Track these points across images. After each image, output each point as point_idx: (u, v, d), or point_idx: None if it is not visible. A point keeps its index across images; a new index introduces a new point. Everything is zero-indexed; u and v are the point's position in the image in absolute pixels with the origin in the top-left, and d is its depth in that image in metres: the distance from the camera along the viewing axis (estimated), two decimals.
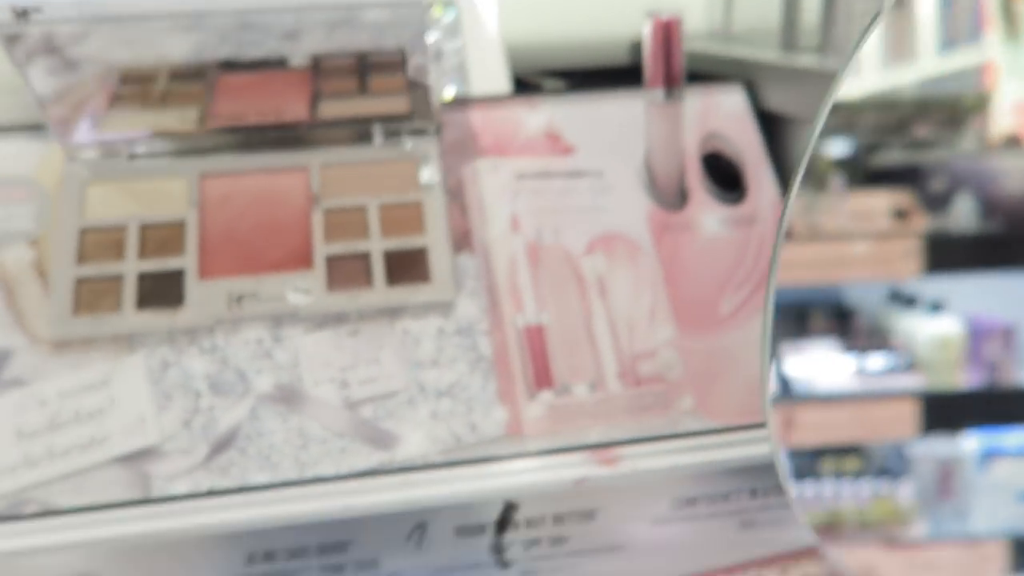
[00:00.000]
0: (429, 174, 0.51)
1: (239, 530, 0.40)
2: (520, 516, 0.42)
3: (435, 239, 0.48)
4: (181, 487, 0.42)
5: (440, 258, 0.48)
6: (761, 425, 0.38)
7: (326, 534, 0.41)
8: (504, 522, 0.42)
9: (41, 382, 0.43)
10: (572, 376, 0.46)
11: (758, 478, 0.43)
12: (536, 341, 0.47)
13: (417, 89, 0.50)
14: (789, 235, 0.36)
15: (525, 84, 0.61)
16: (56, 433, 0.42)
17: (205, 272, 0.46)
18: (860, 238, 0.45)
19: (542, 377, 0.46)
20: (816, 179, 0.44)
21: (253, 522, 0.40)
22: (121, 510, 0.41)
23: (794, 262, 0.42)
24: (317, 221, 0.48)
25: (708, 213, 0.51)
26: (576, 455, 0.43)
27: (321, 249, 0.47)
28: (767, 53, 0.57)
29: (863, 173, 0.45)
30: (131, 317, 0.45)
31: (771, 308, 0.35)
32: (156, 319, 0.45)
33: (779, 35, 0.59)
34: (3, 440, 0.42)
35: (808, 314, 0.46)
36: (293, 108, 0.50)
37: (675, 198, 0.51)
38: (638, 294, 0.48)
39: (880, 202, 0.45)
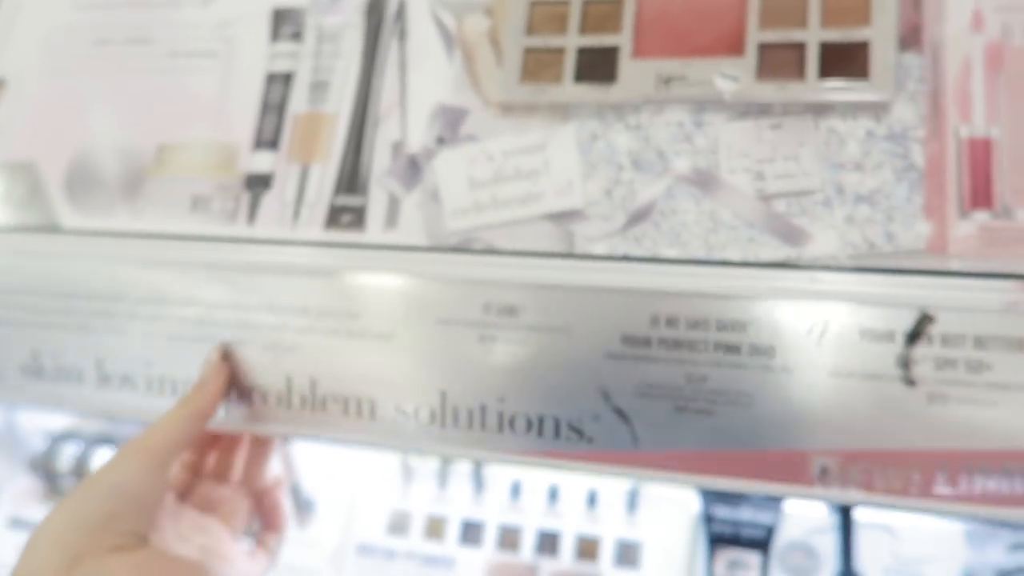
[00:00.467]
0: None
1: (644, 292, 0.44)
2: (936, 331, 0.40)
3: (880, 33, 0.44)
4: (599, 248, 0.46)
5: (883, 54, 0.44)
6: None
7: (727, 311, 0.43)
8: (917, 333, 0.40)
9: (489, 140, 0.50)
10: (1016, 198, 0.41)
11: None
12: (980, 155, 0.42)
13: None
14: None
15: None
16: (500, 185, 0.49)
17: (638, 51, 0.48)
18: None
19: (980, 195, 0.42)
20: None
21: (661, 288, 0.44)
22: (547, 259, 0.47)
23: None
24: (753, 6, 0.46)
25: None
26: (1010, 282, 0.40)
27: (754, 35, 0.46)
28: None
29: None
30: (569, 89, 0.49)
31: None
32: (590, 93, 0.48)
33: None
34: (458, 186, 0.50)
35: None
36: None
37: None
38: None
39: None
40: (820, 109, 0.45)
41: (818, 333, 0.42)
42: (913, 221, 0.43)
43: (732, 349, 0.43)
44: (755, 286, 0.43)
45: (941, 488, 0.41)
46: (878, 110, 0.44)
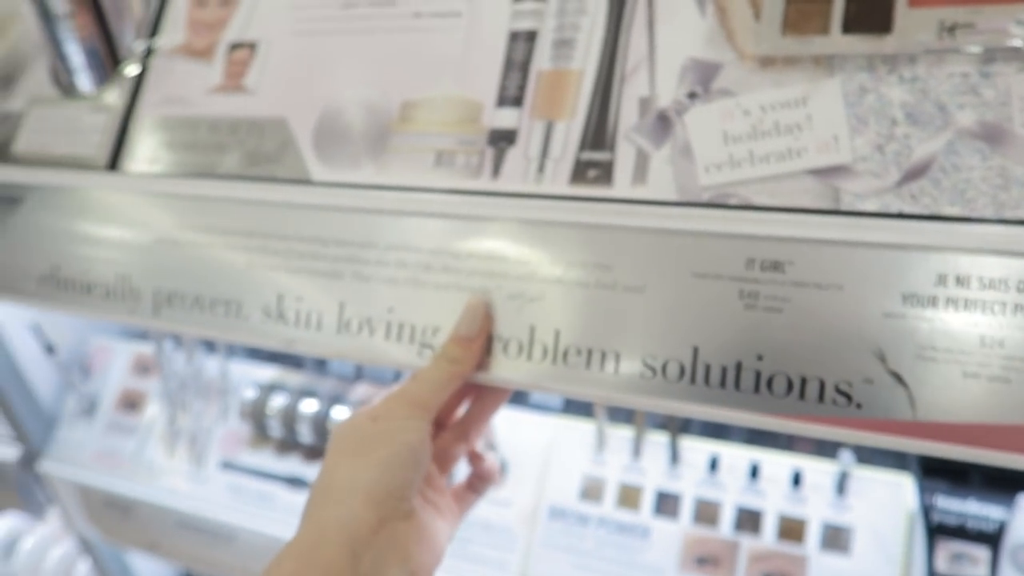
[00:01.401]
0: None
1: (924, 248, 0.42)
2: None
3: None
4: (870, 205, 0.45)
5: None
6: None
7: (1010, 270, 0.41)
8: None
9: (746, 94, 0.49)
10: None
11: None
12: None
13: None
14: None
15: None
16: (757, 141, 0.48)
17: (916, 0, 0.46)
18: None
19: None
20: None
21: (938, 243, 0.42)
22: (811, 215, 0.46)
23: None
24: None
25: None
26: None
27: None
28: None
29: None
30: (837, 39, 0.47)
31: None
32: (861, 43, 0.46)
33: None
34: (713, 141, 0.49)
35: None
36: None
37: None
38: None
39: None
40: None
41: None
42: None
43: None
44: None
45: None
46: None
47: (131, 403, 1.05)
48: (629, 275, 0.49)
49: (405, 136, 0.58)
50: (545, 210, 0.52)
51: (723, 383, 0.47)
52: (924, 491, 0.71)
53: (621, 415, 0.89)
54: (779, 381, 0.45)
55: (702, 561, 0.75)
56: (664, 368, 0.48)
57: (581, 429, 0.84)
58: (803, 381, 0.45)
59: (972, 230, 0.42)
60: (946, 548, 0.69)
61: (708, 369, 0.47)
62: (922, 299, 0.42)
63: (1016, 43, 0.43)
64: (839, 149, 0.46)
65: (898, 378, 0.43)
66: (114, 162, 0.69)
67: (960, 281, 0.42)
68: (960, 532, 0.69)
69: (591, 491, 0.81)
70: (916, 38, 0.45)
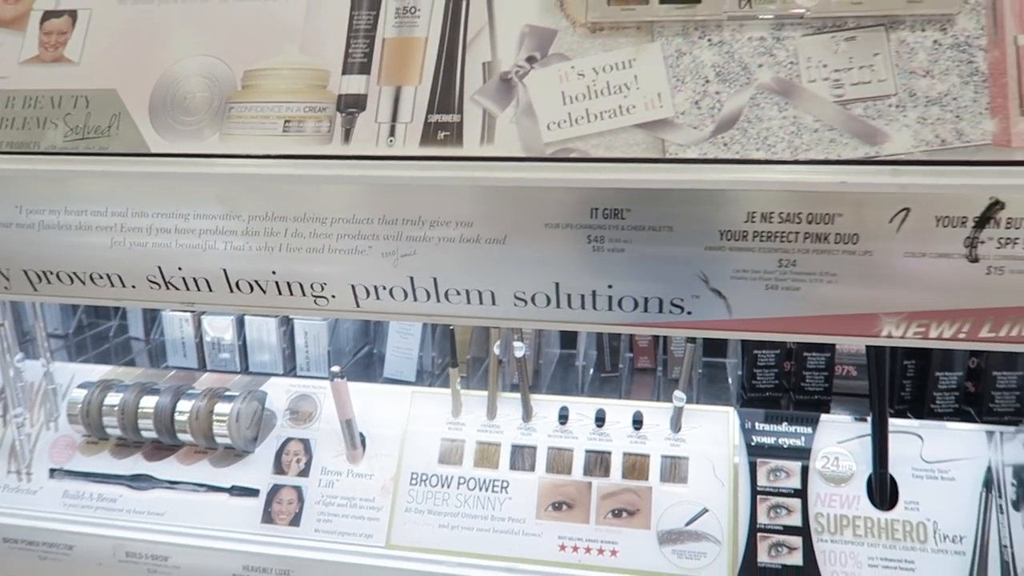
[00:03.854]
0: None
1: (739, 190, 0.49)
2: (1001, 216, 0.46)
3: None
4: (691, 154, 0.51)
5: None
6: None
7: (816, 206, 0.48)
8: (986, 218, 0.46)
9: (580, 58, 0.54)
10: None
11: None
12: None
13: None
14: None
15: None
16: (591, 100, 0.53)
17: None
18: None
19: None
20: None
21: (753, 185, 0.49)
22: (644, 165, 0.52)
23: None
24: None
25: None
26: None
27: None
28: None
29: None
30: (655, 8, 0.53)
31: None
32: (676, 11, 0.53)
33: None
34: (552, 101, 0.54)
35: None
36: None
37: None
38: None
39: None
40: (892, 21, 0.50)
41: (898, 223, 0.48)
42: (979, 120, 0.48)
43: (820, 238, 0.49)
44: (818, 183, 0.48)
45: (985, 333, 0.47)
46: (944, 22, 0.50)
47: None
48: (489, 229, 0.53)
49: (249, 105, 0.59)
50: (399, 170, 0.54)
51: (583, 306, 0.52)
52: (744, 420, 0.81)
53: (475, 381, 0.93)
54: (627, 302, 0.51)
55: (558, 506, 0.81)
56: (533, 298, 0.53)
57: (437, 396, 0.87)
58: (646, 300, 0.51)
59: (774, 172, 0.49)
60: (765, 466, 0.78)
61: (569, 297, 0.53)
62: (735, 234, 0.49)
63: (800, 10, 0.51)
64: (663, 105, 0.52)
65: (718, 293, 0.50)
66: None
67: (764, 217, 0.49)
68: (775, 451, 0.79)
69: (450, 454, 0.85)
70: (721, 7, 0.52)
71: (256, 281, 0.59)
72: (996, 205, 0.46)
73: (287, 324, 0.99)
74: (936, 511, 0.75)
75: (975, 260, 0.47)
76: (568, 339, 1.04)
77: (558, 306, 0.54)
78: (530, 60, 0.55)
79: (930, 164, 0.48)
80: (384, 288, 0.57)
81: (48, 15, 0.64)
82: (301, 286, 0.58)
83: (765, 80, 0.51)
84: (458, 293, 0.55)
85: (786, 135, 0.50)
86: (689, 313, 0.52)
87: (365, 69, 0.57)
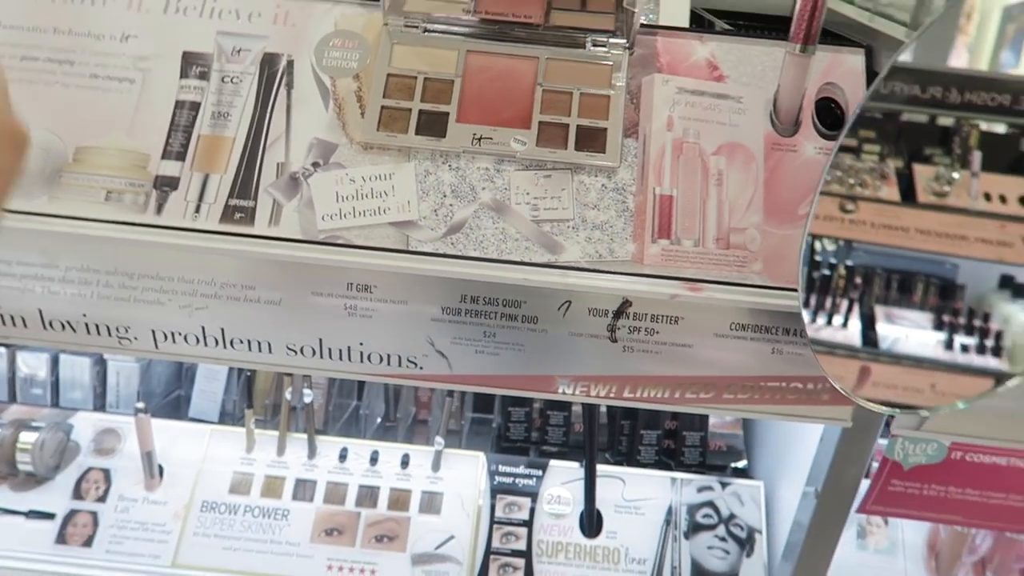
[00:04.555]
0: (619, 78, 0.71)
1: (458, 279, 0.65)
2: (631, 311, 0.64)
3: (613, 124, 0.69)
4: (427, 248, 0.66)
5: (614, 138, 0.68)
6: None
7: (513, 295, 0.65)
8: (620, 312, 0.64)
9: (353, 168, 0.68)
10: (684, 234, 0.67)
11: (791, 322, 0.63)
12: (665, 206, 0.68)
13: (623, 13, 0.69)
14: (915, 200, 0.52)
15: (701, 21, 0.79)
16: (358, 200, 0.68)
17: (461, 118, 0.69)
18: (985, 218, 0.52)
19: (663, 230, 0.67)
20: (962, 151, 0.54)
21: (467, 275, 0.65)
22: (391, 254, 0.66)
23: (916, 228, 0.55)
24: (538, 97, 0.69)
25: (810, 142, 0.69)
26: (675, 282, 0.65)
27: (537, 116, 0.69)
28: (895, 27, 0.73)
29: (1012, 156, 0.51)
30: (412, 138, 0.69)
31: (812, 213, 0.54)
32: (426, 142, 0.68)
33: (911, 12, 0.74)
34: (328, 198, 0.67)
35: (913, 281, 0.56)
36: (535, 13, 0.71)
37: (790, 127, 0.69)
38: (743, 189, 0.68)
39: (1015, 188, 0.51)
40: (576, 167, 0.68)
41: (564, 311, 0.65)
42: (625, 243, 0.67)
43: (512, 317, 0.65)
44: (528, 278, 0.65)
45: (627, 393, 0.65)
46: (610, 172, 0.68)
47: None
48: (268, 293, 0.65)
49: (77, 175, 0.68)
50: (199, 241, 0.66)
51: (341, 358, 0.65)
52: (491, 463, 0.96)
53: (272, 424, 1.03)
54: (374, 356, 0.65)
55: (330, 531, 0.91)
56: (301, 350, 0.65)
57: (233, 434, 0.96)
58: (388, 356, 0.65)
59: (484, 268, 0.65)
60: (503, 500, 0.93)
61: (331, 351, 0.65)
62: (453, 309, 0.65)
63: (513, 152, 0.68)
64: (411, 210, 0.67)
65: (442, 353, 0.64)
66: None
67: (473, 299, 0.65)
68: (512, 489, 0.94)
69: (240, 485, 0.93)
70: (459, 142, 0.69)
71: (68, 321, 0.68)
72: (626, 303, 0.64)
73: (101, 364, 1.05)
74: (628, 539, 0.92)
75: (615, 340, 0.65)
76: (360, 391, 1.16)
77: (321, 357, 0.67)
78: (315, 165, 0.69)
79: (589, 271, 0.65)
80: (180, 334, 0.67)
81: None
82: (108, 328, 0.68)
83: (486, 200, 0.68)
84: (241, 342, 0.67)
85: (496, 241, 0.67)
86: (421, 368, 0.67)
87: (181, 157, 0.69)
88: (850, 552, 0.97)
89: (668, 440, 1.03)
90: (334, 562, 0.89)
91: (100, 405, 1.06)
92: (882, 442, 0.75)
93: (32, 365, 1.03)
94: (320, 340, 0.66)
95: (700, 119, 0.70)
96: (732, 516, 0.95)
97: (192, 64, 0.72)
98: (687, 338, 0.65)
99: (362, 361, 0.66)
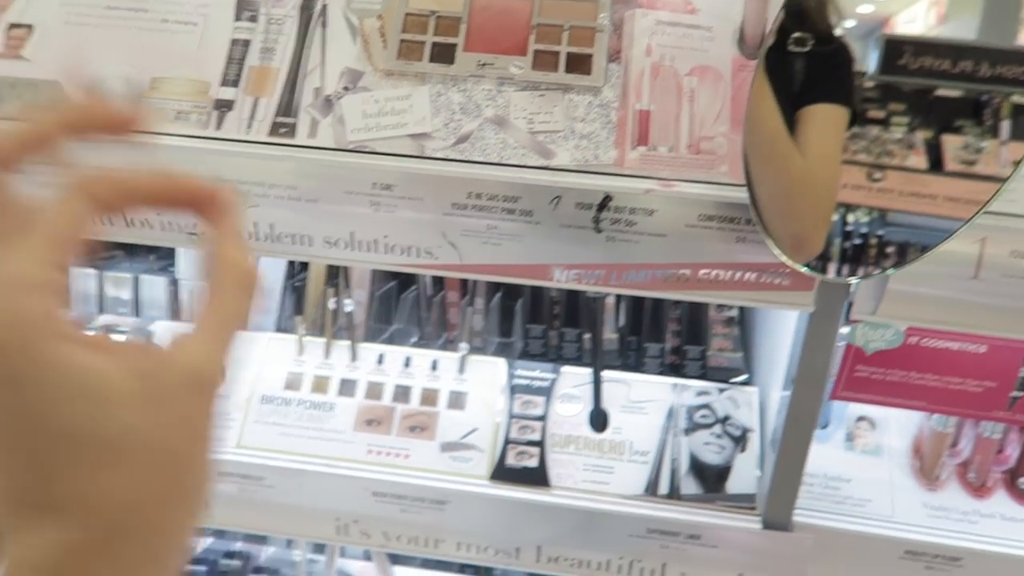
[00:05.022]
0: (604, 12, 0.80)
1: (465, 178, 0.75)
2: (612, 204, 0.74)
3: (598, 51, 0.78)
4: (439, 154, 0.77)
5: (599, 62, 0.78)
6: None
7: (509, 191, 0.75)
8: (603, 205, 0.74)
9: (377, 91, 0.80)
10: (660, 141, 0.76)
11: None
12: (644, 119, 0.77)
13: None
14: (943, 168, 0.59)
15: None
16: (382, 117, 0.79)
17: (467, 48, 0.79)
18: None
19: (642, 138, 0.76)
20: (994, 119, 0.60)
21: (471, 175, 0.75)
22: (409, 159, 0.77)
23: (937, 195, 0.61)
24: (533, 31, 0.79)
25: None
26: (651, 181, 0.74)
27: (532, 46, 0.79)
28: None
29: None
30: (426, 65, 0.79)
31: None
32: (438, 69, 0.79)
33: None
34: (357, 116, 0.79)
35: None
36: None
37: (754, 51, 0.78)
38: (712, 103, 0.76)
39: None
40: (566, 87, 0.78)
41: (555, 205, 0.75)
42: (608, 150, 0.76)
43: (510, 211, 0.75)
44: (524, 178, 0.75)
45: (612, 280, 0.74)
46: (595, 91, 0.78)
47: None
48: (307, 192, 0.77)
49: (153, 100, 0.81)
50: (252, 148, 0.78)
51: (369, 249, 0.77)
52: (510, 366, 1.06)
53: (317, 330, 1.16)
54: (396, 248, 0.76)
55: (369, 422, 1.04)
56: (336, 242, 0.77)
57: (287, 341, 1.09)
58: (408, 247, 0.76)
59: (487, 170, 0.76)
60: (519, 399, 1.04)
61: (359, 243, 0.77)
62: (461, 205, 0.75)
63: (514, 72, 0.78)
64: (425, 124, 0.78)
65: (453, 245, 0.75)
66: None
67: (478, 196, 0.75)
68: (529, 389, 1.05)
69: (293, 383, 1.07)
70: (466, 68, 0.79)
71: (147, 220, 0.81)
72: (607, 197, 0.74)
73: (174, 285, 1.20)
74: (632, 434, 1.02)
75: (599, 231, 0.75)
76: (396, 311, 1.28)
77: (353, 249, 0.78)
78: (345, 89, 0.80)
79: (577, 172, 0.75)
80: None
81: (12, 26, 0.85)
82: (178, 224, 0.80)
83: (489, 115, 0.78)
84: (287, 236, 0.79)
85: (497, 149, 0.77)
86: (436, 258, 0.78)
87: (235, 84, 0.81)
88: (839, 453, 1.05)
89: (673, 356, 1.12)
90: (373, 447, 1.01)
91: (175, 319, 1.21)
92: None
93: (117, 285, 1.18)
94: (351, 233, 0.77)
95: (675, 46, 0.78)
96: (728, 417, 1.03)
97: (243, 9, 0.84)
98: (662, 228, 0.74)
99: (386, 252, 0.77)
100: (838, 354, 0.87)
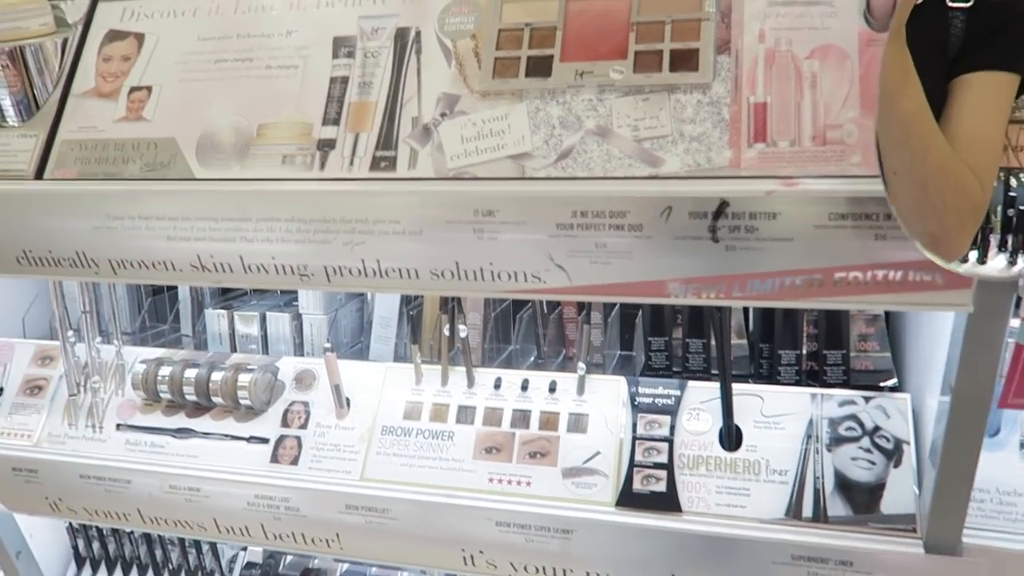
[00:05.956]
0: (710, 3, 0.73)
1: (569, 197, 0.70)
2: (729, 211, 0.67)
3: (705, 43, 0.71)
4: (541, 174, 0.73)
5: (706, 56, 0.71)
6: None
7: (616, 205, 0.69)
8: (719, 212, 0.67)
9: (474, 113, 0.76)
10: (779, 136, 0.68)
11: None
12: (759, 112, 0.69)
13: None
14: None
15: None
16: (480, 140, 0.75)
17: (564, 58, 0.75)
18: None
19: (759, 134, 0.68)
20: None
21: (575, 192, 0.70)
22: (508, 180, 0.73)
23: None
24: (632, 31, 0.73)
25: None
26: (772, 181, 0.66)
27: (632, 47, 0.73)
28: None
29: None
30: (523, 81, 0.75)
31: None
32: (535, 83, 0.75)
33: None
34: (455, 142, 0.76)
35: None
36: None
37: (884, 20, 0.68)
38: (838, 87, 0.68)
39: None
40: (671, 87, 0.72)
41: (666, 216, 0.68)
42: (722, 151, 0.69)
43: (619, 227, 0.69)
44: (631, 190, 0.69)
45: (735, 292, 0.67)
46: (704, 88, 0.71)
47: (34, 388, 1.18)
48: (410, 225, 0.74)
49: (260, 146, 0.82)
50: (355, 185, 0.76)
51: (475, 278, 0.73)
52: (631, 385, 1.00)
53: (432, 358, 1.14)
54: (502, 275, 0.72)
55: (489, 449, 1.00)
56: (442, 273, 0.74)
57: (405, 370, 1.08)
58: (514, 273, 0.72)
59: (591, 185, 0.70)
60: (643, 419, 0.97)
61: (465, 273, 0.74)
62: (567, 225, 0.70)
63: (615, 77, 0.73)
64: (524, 143, 0.74)
65: (560, 267, 0.70)
66: (40, 173, 0.88)
67: (583, 214, 0.70)
68: (652, 408, 0.98)
69: (412, 412, 1.05)
70: (564, 80, 0.74)
71: (261, 264, 0.81)
72: (724, 203, 0.67)
73: (298, 319, 1.21)
74: (769, 452, 0.93)
75: (716, 240, 0.68)
76: (514, 334, 1.24)
77: (460, 279, 0.75)
78: (443, 115, 0.77)
79: (689, 178, 0.69)
80: (345, 268, 0.78)
81: (133, 89, 0.88)
82: (291, 267, 0.80)
83: (590, 126, 0.73)
84: (394, 271, 0.77)
85: (601, 161, 0.72)
86: (545, 282, 0.73)
87: (336, 122, 0.80)
88: (1015, 463, 0.92)
89: (810, 362, 1.02)
90: (494, 475, 0.97)
91: (299, 353, 1.22)
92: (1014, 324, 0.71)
93: (247, 323, 1.21)
94: (456, 263, 0.74)
95: (792, 27, 0.70)
96: (877, 428, 0.92)
97: (341, 46, 0.83)
98: (787, 232, 0.66)
99: (493, 280, 0.73)
100: (1007, 351, 0.75)
